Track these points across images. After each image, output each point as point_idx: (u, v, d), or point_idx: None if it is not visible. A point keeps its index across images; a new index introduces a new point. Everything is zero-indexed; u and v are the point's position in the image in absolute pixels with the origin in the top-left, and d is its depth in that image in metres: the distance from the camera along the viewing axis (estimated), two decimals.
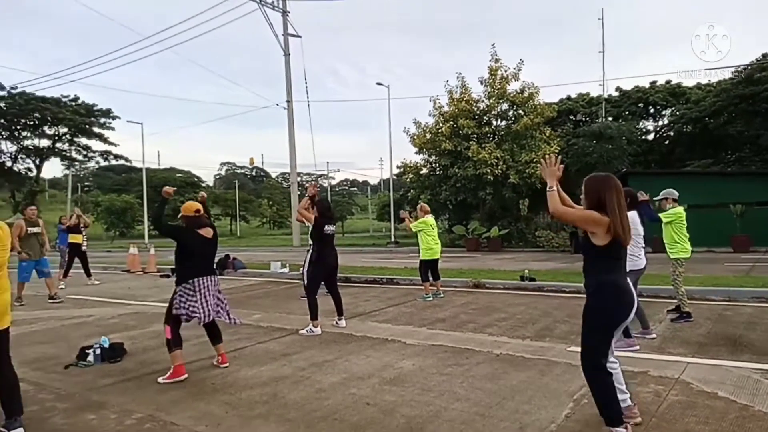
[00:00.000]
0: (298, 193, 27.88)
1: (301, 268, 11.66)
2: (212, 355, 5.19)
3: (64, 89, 57.71)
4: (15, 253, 9.60)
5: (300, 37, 26.93)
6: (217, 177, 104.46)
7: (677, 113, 27.96)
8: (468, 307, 7.99)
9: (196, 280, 4.76)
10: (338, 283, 7.14)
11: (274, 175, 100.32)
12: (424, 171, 25.82)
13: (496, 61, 23.39)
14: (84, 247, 12.81)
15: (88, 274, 12.75)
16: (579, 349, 4.91)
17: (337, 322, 6.73)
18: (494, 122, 24.88)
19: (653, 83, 28.04)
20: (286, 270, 13.07)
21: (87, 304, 9.41)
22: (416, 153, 25.34)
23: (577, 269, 12.74)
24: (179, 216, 5.05)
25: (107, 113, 52.66)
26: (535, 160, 21.96)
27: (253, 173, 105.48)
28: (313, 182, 7.93)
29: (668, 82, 28.61)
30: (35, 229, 9.56)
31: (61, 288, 11.44)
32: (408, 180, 27.04)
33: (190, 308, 4.71)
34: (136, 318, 7.86)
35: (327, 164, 69.05)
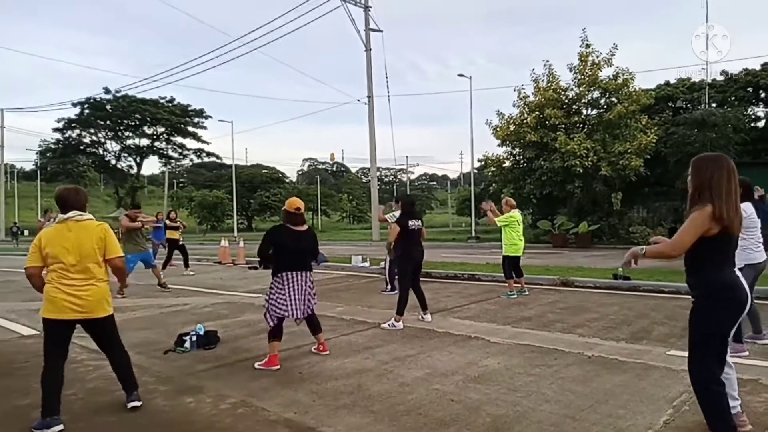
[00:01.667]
0: (378, 187, 28.14)
1: (382, 263, 11.83)
2: (299, 345, 5.35)
3: (162, 91, 62.14)
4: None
5: (381, 31, 27.06)
6: (300, 173, 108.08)
7: None
8: (555, 305, 7.67)
9: (285, 273, 4.93)
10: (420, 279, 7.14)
11: (353, 170, 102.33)
12: (507, 164, 25.13)
13: (587, 46, 22.23)
14: (181, 242, 13.85)
15: (186, 266, 13.70)
16: (679, 353, 4.55)
17: (422, 317, 6.73)
18: (584, 111, 23.69)
19: (765, 65, 25.51)
20: (367, 264, 13.23)
21: (183, 294, 10.03)
22: (498, 145, 24.70)
23: (677, 267, 11.73)
24: (282, 209, 5.27)
25: (200, 113, 55.95)
26: (629, 150, 20.71)
27: (334, 168, 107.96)
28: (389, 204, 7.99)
29: None
30: (135, 224, 10.30)
31: (192, 274, 12.93)
32: (489, 173, 26.46)
33: (279, 305, 4.88)
34: (228, 307, 8.26)
35: (406, 158, 69.23)
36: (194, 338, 5.63)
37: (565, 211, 23.98)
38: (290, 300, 4.90)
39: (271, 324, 4.91)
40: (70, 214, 3.65)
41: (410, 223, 6.71)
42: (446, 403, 3.80)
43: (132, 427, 3.54)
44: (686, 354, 4.64)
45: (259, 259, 5.31)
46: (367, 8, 26.41)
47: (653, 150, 21.23)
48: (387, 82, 28.59)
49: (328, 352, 5.22)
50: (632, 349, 5.16)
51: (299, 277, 4.96)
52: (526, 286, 8.78)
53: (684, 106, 25.89)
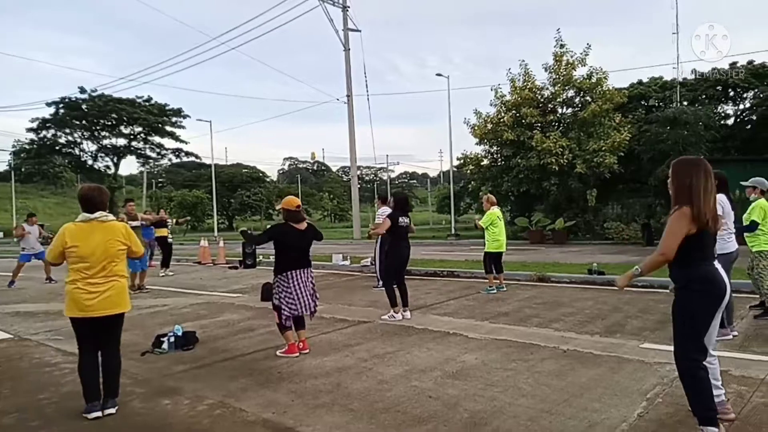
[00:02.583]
0: (359, 185, 28.11)
1: (368, 260, 11.87)
2: (279, 345, 5.33)
3: (139, 90, 61.03)
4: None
5: (359, 31, 27.04)
6: (281, 172, 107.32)
7: (761, 95, 25.94)
8: (532, 301, 7.79)
9: (290, 272, 5.07)
10: None
11: (334, 169, 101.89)
12: (485, 162, 25.33)
13: (561, 46, 22.54)
14: (170, 240, 13.78)
15: (166, 266, 13.54)
16: (653, 345, 4.68)
17: (402, 313, 6.77)
18: (560, 110, 24.01)
19: (733, 64, 26.09)
20: (347, 262, 13.24)
21: (162, 294, 9.92)
22: (477, 144, 24.91)
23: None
24: (277, 207, 5.50)
25: (178, 112, 55.11)
26: (603, 148, 21.04)
27: (315, 167, 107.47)
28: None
29: (750, 62, 26.59)
30: (135, 223, 10.14)
31: (162, 275, 12.88)
32: (468, 171, 26.63)
33: (289, 302, 5.04)
34: (207, 308, 8.20)
35: (386, 157, 69.24)
36: (172, 339, 5.59)
37: (542, 207, 24.27)
38: (298, 297, 5.07)
39: (288, 323, 5.09)
40: (96, 214, 3.73)
41: (400, 219, 6.82)
42: (424, 399, 3.85)
43: (107, 430, 3.51)
44: (659, 347, 4.82)
45: (242, 252, 5.49)
46: (345, 8, 26.38)
47: (627, 148, 21.62)
48: (366, 81, 28.64)
49: (308, 350, 5.25)
50: (606, 342, 5.27)
51: (302, 275, 5.14)
52: (504, 282, 8.88)
53: (656, 104, 26.37)
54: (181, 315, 7.58)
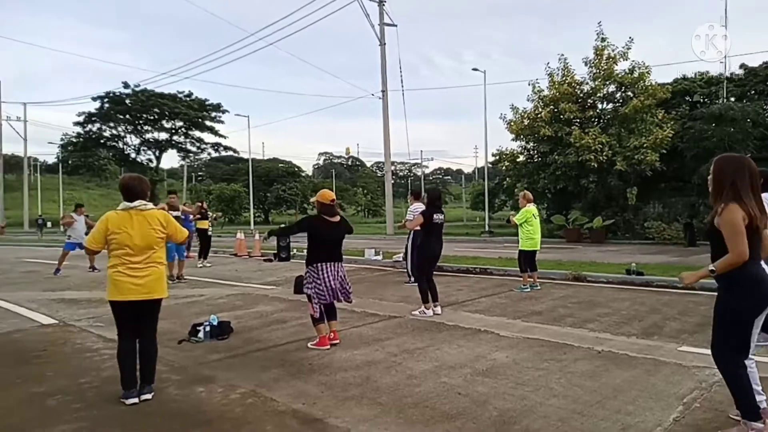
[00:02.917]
0: (393, 181, 28.12)
1: (400, 255, 11.88)
2: (310, 336, 5.38)
3: (180, 86, 62.61)
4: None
5: (396, 26, 27.00)
6: (316, 166, 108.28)
7: None
8: (567, 300, 7.64)
9: (320, 264, 5.15)
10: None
11: (369, 164, 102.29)
12: (521, 158, 24.98)
13: (603, 40, 21.97)
14: (209, 232, 14.17)
15: (204, 257, 13.90)
16: (691, 349, 4.54)
17: (433, 308, 6.77)
18: (599, 105, 23.45)
19: None
20: (380, 257, 13.27)
21: (199, 285, 10.17)
22: (513, 140, 24.58)
23: (692, 263, 11.74)
24: (311, 201, 5.53)
25: (217, 107, 56.21)
26: (645, 145, 20.44)
27: (350, 162, 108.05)
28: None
29: None
30: (175, 214, 10.44)
31: (200, 266, 13.14)
32: (504, 168, 26.31)
33: (318, 293, 5.13)
34: (242, 299, 8.36)
35: (421, 153, 68.87)
36: (208, 328, 5.71)
37: (579, 205, 23.78)
38: (327, 287, 5.15)
39: (317, 313, 5.15)
40: (136, 203, 3.85)
41: (435, 216, 6.83)
42: (453, 396, 3.83)
43: (143, 415, 3.62)
44: (698, 350, 4.67)
45: (276, 245, 5.57)
46: (381, 3, 26.36)
47: (669, 145, 20.96)
48: (401, 76, 28.59)
49: (338, 341, 5.32)
50: (643, 344, 5.14)
51: (332, 268, 5.21)
52: (538, 280, 8.75)
53: (701, 100, 25.42)
54: (217, 305, 7.75)
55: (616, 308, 6.94)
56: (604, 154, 20.75)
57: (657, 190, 23.81)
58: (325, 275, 5.16)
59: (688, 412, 3.46)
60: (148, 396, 3.85)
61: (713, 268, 2.92)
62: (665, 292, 8.12)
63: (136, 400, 3.76)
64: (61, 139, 55.02)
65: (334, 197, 5.37)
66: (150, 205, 3.94)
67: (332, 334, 5.34)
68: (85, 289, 9.70)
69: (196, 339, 5.61)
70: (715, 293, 3.07)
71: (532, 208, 8.53)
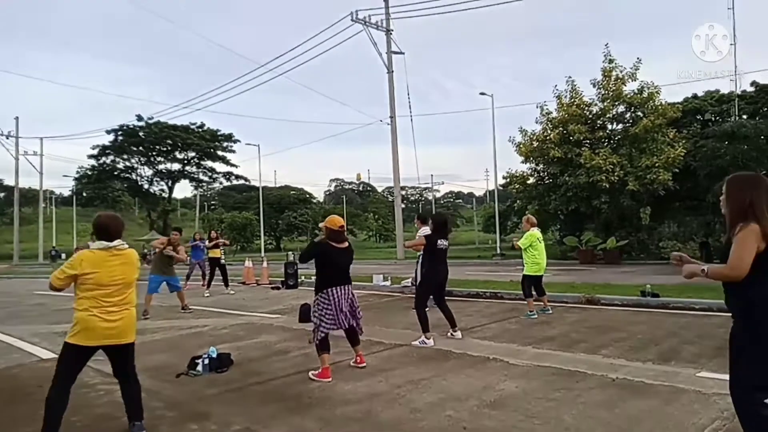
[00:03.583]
0: (404, 206, 28.04)
1: (408, 280, 11.69)
2: (312, 368, 5.20)
3: (192, 117, 63.46)
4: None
5: (403, 53, 27.22)
6: (327, 193, 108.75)
7: None
8: (580, 325, 7.39)
9: (331, 289, 5.08)
10: None
11: (380, 190, 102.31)
12: (531, 180, 24.81)
13: (610, 61, 21.96)
14: (222, 261, 14.10)
15: (226, 285, 13.93)
16: (711, 374, 4.28)
17: (452, 334, 6.66)
18: (609, 126, 23.32)
19: None
20: (388, 283, 13.08)
21: (204, 315, 10.03)
22: (522, 162, 24.46)
23: (709, 284, 11.25)
24: (320, 225, 5.49)
25: (229, 137, 57.00)
26: (657, 164, 20.19)
27: (360, 188, 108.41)
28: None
29: None
30: (171, 253, 10.36)
31: (207, 296, 12.91)
32: (514, 190, 26.13)
33: (329, 319, 5.04)
34: (246, 329, 8.20)
35: (431, 177, 68.86)
36: (206, 361, 5.55)
37: (592, 227, 23.46)
38: (338, 314, 5.06)
39: (318, 341, 5.06)
40: (116, 242, 3.70)
41: (439, 242, 6.68)
42: (458, 431, 3.62)
43: None
44: (718, 376, 4.41)
45: (284, 272, 5.52)
46: (388, 32, 26.69)
47: (682, 164, 20.70)
48: (409, 102, 28.88)
49: (365, 364, 5.28)
50: (660, 370, 4.89)
51: (344, 292, 5.14)
52: (549, 304, 8.50)
53: (713, 118, 25.19)
54: (220, 336, 7.59)
55: (632, 332, 6.68)
56: (616, 174, 20.53)
57: (671, 209, 23.46)
58: (336, 299, 5.09)
59: None
60: None
61: (705, 270, 2.72)
62: (682, 314, 7.83)
63: None
64: (77, 172, 56.00)
65: (343, 223, 5.30)
66: (126, 245, 3.81)
67: (358, 358, 5.33)
68: None
69: (195, 372, 5.44)
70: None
71: (536, 231, 8.33)
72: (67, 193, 64.96)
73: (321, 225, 5.49)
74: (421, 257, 8.61)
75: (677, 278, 12.42)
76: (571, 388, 4.47)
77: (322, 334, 5.05)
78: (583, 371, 4.95)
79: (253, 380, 5.15)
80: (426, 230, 8.44)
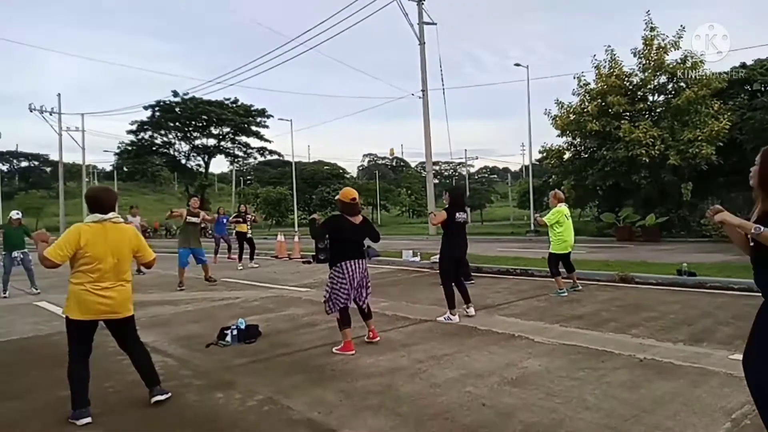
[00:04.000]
0: (437, 181, 27.80)
1: (437, 256, 11.65)
2: (337, 341, 5.26)
3: (226, 93, 64.08)
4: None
5: (435, 24, 26.56)
6: (360, 168, 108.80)
7: None
8: (611, 303, 7.23)
9: (345, 263, 5.10)
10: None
11: (413, 165, 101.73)
12: (568, 155, 24.16)
13: (652, 29, 20.92)
14: (249, 235, 14.35)
15: (251, 258, 14.19)
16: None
17: (465, 310, 6.56)
18: (650, 97, 22.36)
19: None
20: (418, 258, 13.07)
21: (236, 287, 10.28)
22: (558, 136, 23.81)
23: (749, 263, 10.83)
24: (336, 198, 5.54)
25: (262, 112, 57.32)
26: (700, 138, 19.35)
27: (394, 163, 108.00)
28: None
29: None
30: (194, 219, 10.64)
31: (240, 269, 13.32)
32: (549, 165, 25.53)
33: (342, 294, 5.08)
34: (276, 301, 8.37)
35: (465, 152, 67.95)
36: (235, 332, 5.70)
37: (631, 203, 22.78)
38: (351, 288, 5.09)
39: (331, 313, 5.16)
40: (110, 215, 3.69)
41: (457, 215, 6.59)
42: (477, 407, 3.61)
43: (157, 421, 3.59)
44: None
45: (315, 246, 5.62)
46: (420, 2, 26.08)
47: (727, 137, 19.75)
48: (441, 75, 28.34)
49: (378, 338, 5.32)
50: (690, 351, 4.75)
51: (357, 265, 5.14)
52: (579, 281, 8.34)
53: (762, 89, 23.86)
54: (250, 308, 7.77)
55: (664, 312, 6.50)
56: (656, 148, 19.77)
57: (715, 184, 22.51)
58: (350, 273, 5.10)
59: (737, 429, 3.13)
60: (160, 397, 3.78)
61: (760, 230, 2.38)
62: (719, 294, 7.57)
63: (88, 419, 3.52)
64: (118, 147, 57.51)
65: (356, 196, 5.27)
66: (121, 218, 3.80)
67: (371, 333, 5.36)
68: None
69: (224, 343, 5.60)
70: None
71: (563, 207, 8.12)
72: (108, 168, 66.97)
73: (336, 198, 5.53)
74: None
75: (718, 256, 12.03)
76: (596, 367, 4.40)
77: (338, 307, 5.08)
78: (610, 351, 4.85)
79: (279, 352, 5.26)
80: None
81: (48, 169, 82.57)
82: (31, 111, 38.53)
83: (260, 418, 3.55)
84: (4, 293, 9.90)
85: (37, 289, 10.10)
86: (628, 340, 5.27)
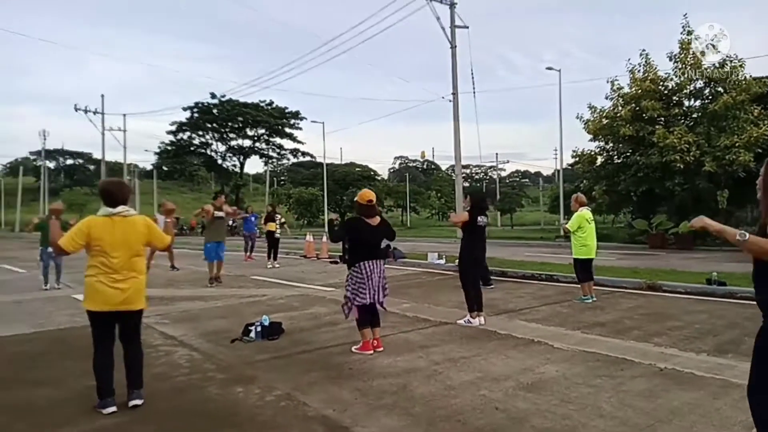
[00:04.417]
0: (467, 184, 27.67)
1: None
2: (357, 340, 5.34)
3: (261, 95, 65.24)
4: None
5: (467, 27, 26.35)
6: (391, 170, 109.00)
7: None
8: (635, 311, 7.13)
9: (363, 263, 5.16)
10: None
11: (444, 168, 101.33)
12: (600, 160, 23.75)
13: (689, 33, 20.43)
14: (277, 235, 14.63)
15: (274, 258, 14.39)
16: None
17: (477, 319, 6.52)
18: (686, 102, 21.84)
19: None
20: (443, 261, 13.07)
21: (265, 285, 10.49)
22: (590, 140, 23.43)
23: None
24: (354, 201, 5.57)
25: (296, 115, 58.16)
26: (737, 144, 18.77)
27: (425, 166, 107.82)
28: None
29: None
30: (220, 213, 10.91)
31: (269, 267, 13.65)
32: (580, 170, 25.13)
33: (360, 293, 5.12)
34: (301, 300, 8.52)
35: (496, 155, 67.50)
36: (259, 329, 5.85)
37: (665, 209, 22.24)
38: (369, 288, 5.14)
39: (347, 314, 5.21)
40: (119, 209, 3.73)
41: (479, 219, 6.60)
42: (490, 410, 3.65)
43: (180, 413, 3.74)
44: None
45: (342, 247, 5.71)
46: (452, 5, 25.99)
47: (766, 144, 19.10)
48: (473, 78, 27.94)
49: (382, 348, 5.25)
50: (713, 362, 4.67)
51: (376, 266, 5.21)
52: (605, 289, 8.24)
53: None
54: (275, 306, 7.94)
55: (690, 321, 6.38)
56: (691, 154, 19.27)
57: (752, 192, 21.30)
58: (368, 273, 5.15)
59: None
60: (138, 402, 3.76)
61: (746, 236, 2.24)
62: (749, 304, 7.32)
63: (114, 408, 3.65)
64: (158, 147, 59.11)
65: (372, 197, 5.33)
66: (133, 211, 3.83)
67: (375, 341, 5.26)
68: (161, 287, 10.26)
69: (248, 339, 5.75)
70: None
71: (585, 212, 8.02)
72: (149, 167, 68.82)
73: (355, 199, 5.61)
74: None
75: (749, 266, 11.57)
76: (615, 375, 4.37)
77: (357, 305, 5.14)
78: (630, 359, 4.81)
79: (300, 349, 5.38)
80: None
81: (91, 167, 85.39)
82: (76, 111, 39.94)
83: (277, 413, 3.66)
84: (45, 285, 10.32)
85: (59, 286, 10.37)
86: (650, 348, 5.20)
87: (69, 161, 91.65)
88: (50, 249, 10.53)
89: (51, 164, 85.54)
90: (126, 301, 3.73)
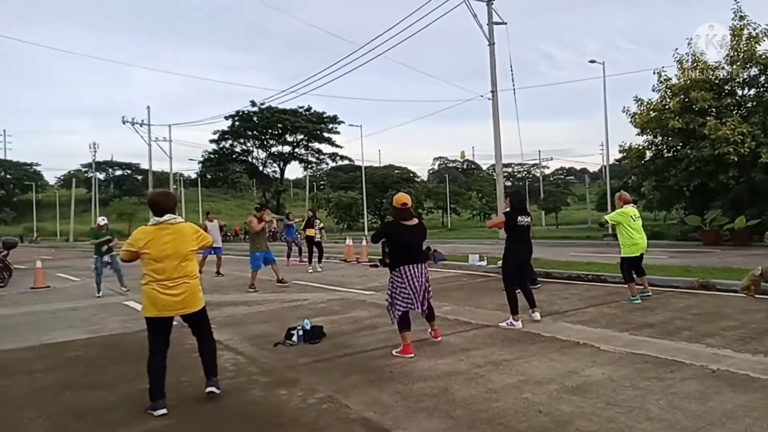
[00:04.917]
0: (510, 183, 27.30)
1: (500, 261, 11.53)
2: (397, 343, 5.35)
3: (300, 101, 66.28)
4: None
5: (505, 23, 26.09)
6: (431, 171, 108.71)
7: None
8: (687, 311, 6.86)
9: (403, 267, 5.20)
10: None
11: (484, 167, 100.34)
12: (648, 154, 22.97)
13: (741, 18, 19.53)
14: (317, 239, 14.89)
15: (318, 261, 14.74)
16: None
17: (531, 315, 6.49)
18: (739, 92, 20.88)
19: None
20: (484, 263, 12.92)
21: (306, 289, 10.64)
22: (638, 134, 22.71)
23: None
24: (391, 206, 5.60)
25: (334, 119, 58.96)
26: None
27: (465, 166, 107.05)
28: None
29: None
30: (264, 224, 11.21)
31: (310, 272, 13.88)
32: (628, 165, 24.37)
33: (404, 299, 5.17)
34: (341, 303, 8.60)
35: (539, 153, 66.23)
36: (301, 333, 5.94)
37: (719, 204, 21.32)
38: (413, 293, 5.17)
39: (394, 321, 5.24)
40: (165, 217, 3.96)
41: (519, 219, 6.52)
42: (532, 414, 3.59)
43: (225, 415, 3.84)
44: None
45: (381, 250, 5.81)
46: (489, 2, 25.77)
47: None
48: (512, 74, 27.63)
49: (439, 338, 5.46)
50: None
51: (417, 270, 5.23)
52: (656, 288, 7.96)
53: None
54: (317, 310, 8.04)
55: (745, 321, 6.09)
56: (746, 145, 18.39)
57: None
58: (410, 278, 5.18)
59: None
60: (214, 389, 4.06)
61: (759, 270, 2.36)
62: None
63: (164, 410, 3.81)
64: (201, 156, 61.03)
65: (407, 201, 5.37)
66: (179, 218, 4.03)
67: (433, 332, 5.49)
68: (207, 292, 10.40)
69: (290, 342, 5.85)
70: None
71: (630, 209, 7.79)
72: (193, 175, 71.09)
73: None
74: None
75: None
76: (664, 377, 4.22)
77: (399, 312, 5.18)
78: (680, 361, 4.63)
79: (341, 352, 5.44)
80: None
81: (139, 177, 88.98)
82: (123, 123, 41.71)
83: (319, 415, 3.72)
84: (98, 293, 10.79)
85: (126, 288, 10.92)
86: (702, 350, 5.00)
87: (118, 172, 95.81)
88: (106, 258, 11.03)
89: (101, 175, 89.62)
90: (184, 306, 3.98)
